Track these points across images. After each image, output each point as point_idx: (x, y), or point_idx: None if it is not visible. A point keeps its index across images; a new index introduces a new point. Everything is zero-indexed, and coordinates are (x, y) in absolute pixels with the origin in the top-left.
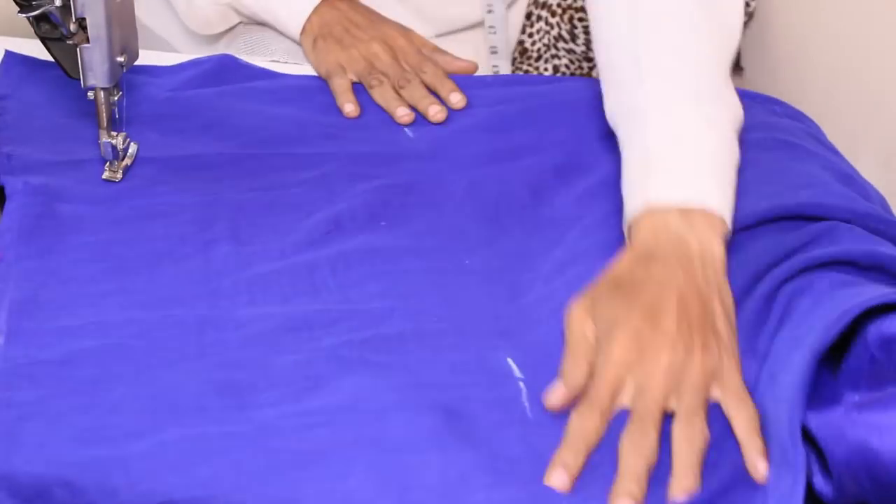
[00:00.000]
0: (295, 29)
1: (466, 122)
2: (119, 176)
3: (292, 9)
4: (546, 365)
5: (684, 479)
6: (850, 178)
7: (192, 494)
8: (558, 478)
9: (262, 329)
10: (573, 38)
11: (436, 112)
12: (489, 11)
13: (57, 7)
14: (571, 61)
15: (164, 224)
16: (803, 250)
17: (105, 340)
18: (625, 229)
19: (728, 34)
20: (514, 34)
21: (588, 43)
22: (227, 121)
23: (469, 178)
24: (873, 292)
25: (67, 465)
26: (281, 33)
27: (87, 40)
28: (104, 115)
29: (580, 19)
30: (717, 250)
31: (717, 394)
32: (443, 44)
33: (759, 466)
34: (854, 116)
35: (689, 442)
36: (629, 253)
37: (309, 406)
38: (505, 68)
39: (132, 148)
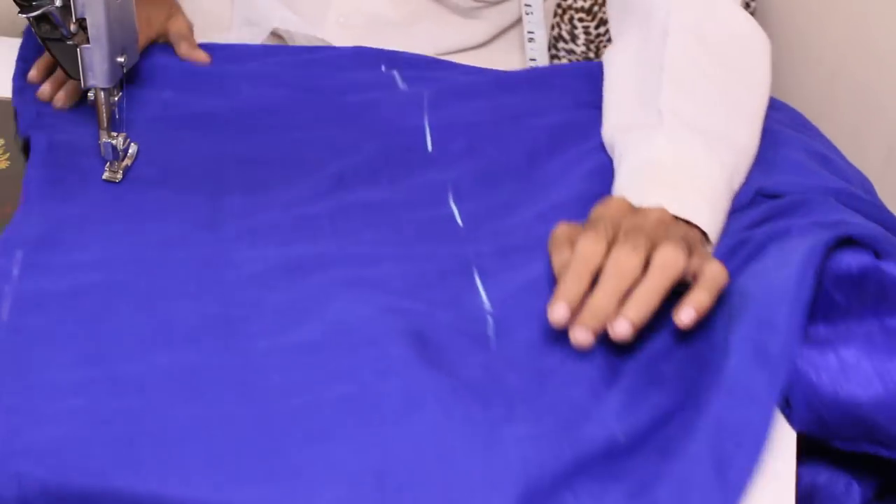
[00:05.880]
0: None
1: (470, 85)
2: (119, 176)
3: None
4: (516, 307)
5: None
6: (826, 159)
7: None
8: (558, 311)
9: (258, 270)
10: (573, 38)
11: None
12: None
13: (57, 7)
14: (570, 62)
15: (179, 179)
16: (776, 219)
17: (110, 276)
18: None
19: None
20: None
21: (588, 44)
22: (231, 99)
23: (470, 137)
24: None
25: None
26: None
27: (87, 40)
28: (104, 116)
29: (580, 20)
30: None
31: (694, 261)
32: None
33: (682, 314)
34: (854, 116)
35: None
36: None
37: (293, 339)
38: (543, 62)
39: (132, 148)
